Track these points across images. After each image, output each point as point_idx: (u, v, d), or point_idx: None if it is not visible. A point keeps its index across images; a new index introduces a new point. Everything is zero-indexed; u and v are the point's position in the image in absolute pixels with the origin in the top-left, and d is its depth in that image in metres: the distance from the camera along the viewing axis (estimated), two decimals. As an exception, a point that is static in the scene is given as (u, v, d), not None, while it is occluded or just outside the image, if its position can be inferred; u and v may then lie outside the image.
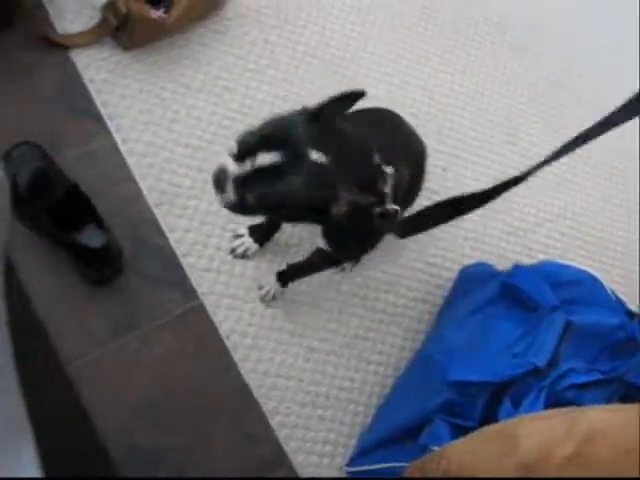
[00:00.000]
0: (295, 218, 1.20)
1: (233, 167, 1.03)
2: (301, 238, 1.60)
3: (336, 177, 1.01)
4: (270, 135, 1.03)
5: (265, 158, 1.00)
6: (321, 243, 1.25)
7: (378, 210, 1.09)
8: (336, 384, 1.56)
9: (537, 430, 1.02)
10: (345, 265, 1.63)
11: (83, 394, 1.36)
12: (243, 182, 1.03)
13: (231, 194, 1.04)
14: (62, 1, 1.62)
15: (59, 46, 1.57)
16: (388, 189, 1.10)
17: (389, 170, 1.11)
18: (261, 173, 1.01)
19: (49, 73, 1.56)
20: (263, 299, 1.53)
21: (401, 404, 1.47)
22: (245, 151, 1.03)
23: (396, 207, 1.10)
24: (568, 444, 0.93)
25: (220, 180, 1.05)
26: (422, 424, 1.39)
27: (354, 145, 1.09)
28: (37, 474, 0.54)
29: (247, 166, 1.02)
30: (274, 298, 1.53)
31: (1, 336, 0.60)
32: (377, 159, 1.11)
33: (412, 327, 1.66)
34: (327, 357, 1.57)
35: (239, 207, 1.07)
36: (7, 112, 1.49)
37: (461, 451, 1.07)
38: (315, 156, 1.00)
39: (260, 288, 1.53)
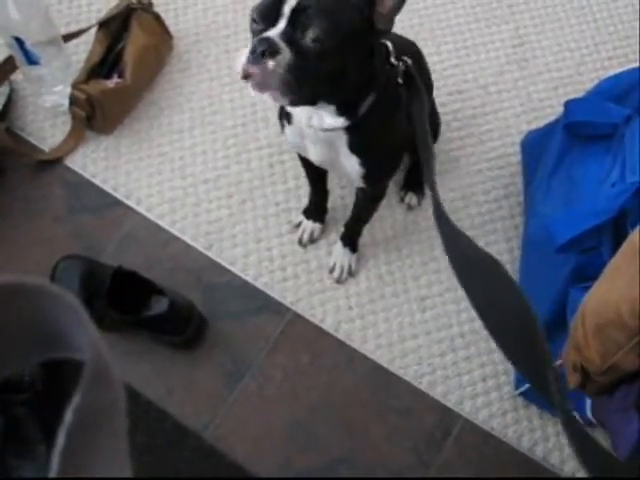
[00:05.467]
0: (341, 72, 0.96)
1: (273, 30, 0.89)
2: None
3: None
4: None
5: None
6: (353, 170, 1.15)
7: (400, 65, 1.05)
8: (464, 318, 1.44)
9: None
10: (410, 203, 1.53)
11: (230, 452, 1.31)
12: (291, 35, 0.89)
13: (286, 51, 0.88)
14: (35, 124, 1.63)
15: (53, 162, 1.58)
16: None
17: None
18: (301, 16, 0.88)
19: (57, 191, 1.56)
20: (340, 280, 1.45)
21: (533, 299, 1.33)
22: (268, 12, 0.90)
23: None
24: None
25: (264, 52, 0.88)
26: (563, 306, 1.25)
27: None
28: None
29: (282, 22, 0.88)
30: (351, 273, 1.45)
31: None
32: None
33: (508, 225, 1.53)
34: (442, 297, 1.46)
35: (297, 69, 0.89)
36: (37, 243, 1.49)
37: (595, 293, 0.93)
38: None
39: (331, 270, 1.46)
